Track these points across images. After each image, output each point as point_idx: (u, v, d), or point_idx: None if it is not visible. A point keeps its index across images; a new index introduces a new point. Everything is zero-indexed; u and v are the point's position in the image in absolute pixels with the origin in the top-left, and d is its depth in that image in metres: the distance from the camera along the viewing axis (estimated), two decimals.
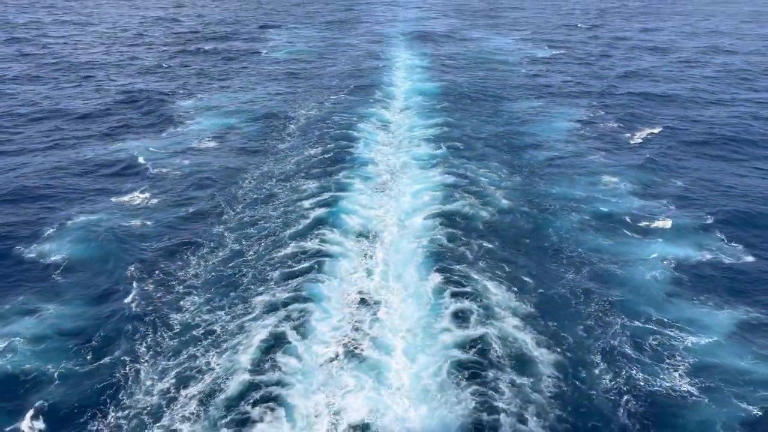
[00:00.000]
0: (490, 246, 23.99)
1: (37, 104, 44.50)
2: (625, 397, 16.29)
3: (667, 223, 26.06)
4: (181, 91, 49.50)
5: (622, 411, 15.86)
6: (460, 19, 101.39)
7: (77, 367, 17.19)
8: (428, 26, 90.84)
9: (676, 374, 17.03)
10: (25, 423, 15.37)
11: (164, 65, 60.29)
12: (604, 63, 62.98)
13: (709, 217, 26.68)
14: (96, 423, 15.43)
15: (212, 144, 37.03)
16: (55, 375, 16.80)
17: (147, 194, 29.32)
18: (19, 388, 16.44)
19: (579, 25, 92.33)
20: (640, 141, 37.61)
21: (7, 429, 15.27)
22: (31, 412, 15.62)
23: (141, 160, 33.61)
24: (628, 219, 26.68)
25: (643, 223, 26.24)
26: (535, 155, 35.04)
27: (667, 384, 16.66)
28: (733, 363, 17.50)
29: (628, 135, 38.74)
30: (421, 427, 15.39)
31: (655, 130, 39.30)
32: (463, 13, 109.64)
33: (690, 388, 16.50)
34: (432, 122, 40.05)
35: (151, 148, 35.64)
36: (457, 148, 35.20)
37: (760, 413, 15.68)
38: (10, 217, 26.40)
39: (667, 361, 17.57)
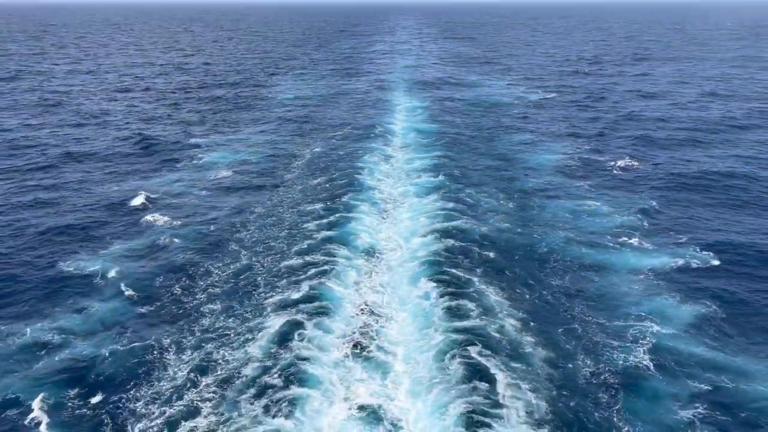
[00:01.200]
0: (486, 257, 26.60)
1: (64, 146, 47.62)
2: (603, 376, 18.76)
3: (643, 238, 28.71)
4: (196, 132, 52.81)
5: (598, 382, 18.39)
6: (456, 65, 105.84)
7: (119, 353, 19.78)
8: (426, 72, 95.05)
9: (642, 356, 19.52)
10: (86, 393, 18.17)
11: (178, 109, 63.88)
12: (593, 105, 66.44)
13: (681, 236, 29.28)
14: (136, 393, 17.92)
15: (227, 174, 40.01)
16: (106, 356, 19.57)
17: (170, 219, 32.07)
18: (76, 367, 19.14)
19: (572, 70, 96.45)
20: (622, 172, 40.46)
21: (72, 396, 17.98)
22: (87, 385, 18.40)
23: (162, 191, 36.50)
24: (608, 235, 29.34)
25: (621, 239, 28.90)
26: (526, 183, 37.85)
27: (635, 360, 19.19)
28: (687, 348, 20.07)
29: (611, 166, 41.64)
30: (422, 413, 17.49)
31: (636, 163, 42.22)
32: (460, 61, 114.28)
33: (649, 364, 19.17)
34: (431, 155, 43.19)
35: (170, 181, 38.56)
36: (454, 176, 38.13)
37: (707, 388, 18.23)
38: (53, 243, 29.21)
39: (635, 345, 20.07)
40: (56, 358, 19.64)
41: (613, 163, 42.20)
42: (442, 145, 46.53)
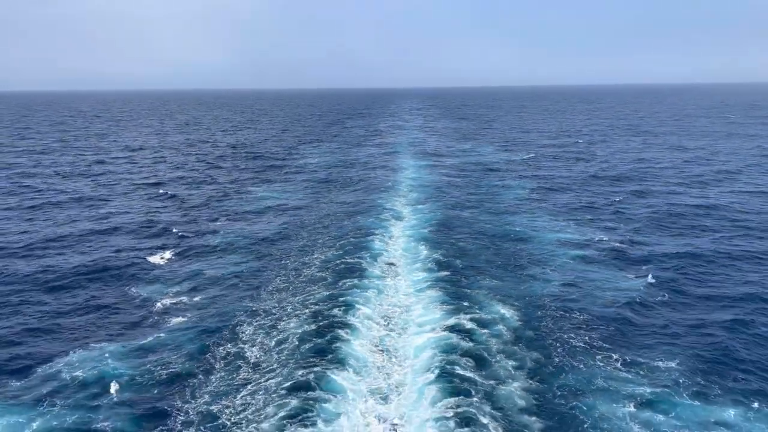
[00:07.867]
0: (470, 244, 40.53)
1: (148, 198, 62.85)
2: (535, 281, 32.66)
3: (573, 227, 43.17)
4: (248, 181, 68.20)
5: (530, 283, 32.40)
6: (453, 137, 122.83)
7: (226, 298, 33.83)
8: (429, 142, 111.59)
9: (552, 271, 33.80)
10: (203, 303, 32.09)
11: (231, 167, 79.70)
12: (562, 163, 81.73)
13: (599, 226, 43.53)
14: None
15: (277, 204, 54.85)
16: (219, 297, 33.49)
17: (243, 225, 46.56)
18: (202, 289, 33.15)
19: (549, 140, 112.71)
20: (567, 197, 55.03)
21: (194, 307, 31.92)
22: (205, 301, 32.26)
23: (234, 213, 51.27)
24: (548, 228, 43.79)
25: (558, 228, 43.44)
26: (504, 210, 52.24)
27: (549, 273, 33.51)
28: (579, 268, 34.35)
29: (560, 195, 56.29)
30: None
31: (593, 199, 56.85)
32: (456, 134, 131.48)
33: (553, 273, 33.45)
34: (433, 196, 58.01)
35: (238, 207, 53.32)
36: (449, 203, 52.89)
37: (584, 280, 32.23)
38: (177, 234, 43.72)
39: (552, 269, 34.68)
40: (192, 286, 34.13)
41: (561, 194, 57.09)
42: (440, 185, 61.55)
